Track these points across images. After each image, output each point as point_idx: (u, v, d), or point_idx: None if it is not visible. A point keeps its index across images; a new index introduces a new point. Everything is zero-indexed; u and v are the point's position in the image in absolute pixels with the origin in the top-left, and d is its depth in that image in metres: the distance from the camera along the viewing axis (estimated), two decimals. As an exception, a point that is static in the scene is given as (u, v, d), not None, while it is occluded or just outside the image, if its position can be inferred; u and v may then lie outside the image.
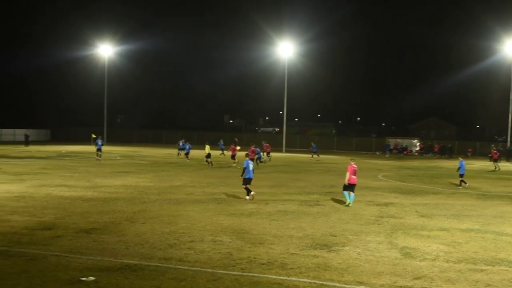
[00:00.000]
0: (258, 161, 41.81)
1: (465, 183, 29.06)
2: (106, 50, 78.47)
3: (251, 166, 21.77)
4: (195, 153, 48.65)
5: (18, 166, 35.03)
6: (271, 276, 10.59)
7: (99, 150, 43.36)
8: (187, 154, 45.72)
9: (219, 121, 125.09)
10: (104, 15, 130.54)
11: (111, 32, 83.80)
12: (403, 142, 75.78)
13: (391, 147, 71.87)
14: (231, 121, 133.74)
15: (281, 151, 67.31)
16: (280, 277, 10.54)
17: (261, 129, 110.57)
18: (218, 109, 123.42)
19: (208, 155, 39.91)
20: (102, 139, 48.01)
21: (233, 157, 41.94)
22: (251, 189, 21.63)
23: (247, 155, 22.88)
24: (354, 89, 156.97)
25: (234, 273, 10.78)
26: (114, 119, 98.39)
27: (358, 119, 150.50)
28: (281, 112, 77.14)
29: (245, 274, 10.72)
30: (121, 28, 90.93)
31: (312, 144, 56.61)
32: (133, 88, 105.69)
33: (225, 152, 51.52)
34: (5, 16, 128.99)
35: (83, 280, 10.01)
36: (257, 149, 42.73)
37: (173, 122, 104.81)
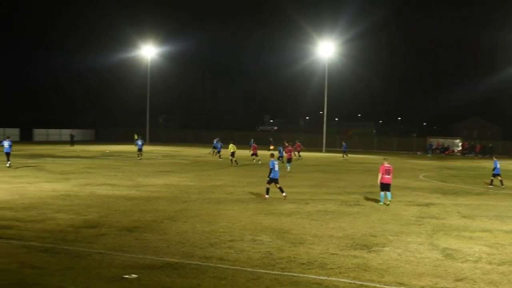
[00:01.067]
0: (280, 159, 41.82)
1: (502, 184, 28.44)
2: (148, 52, 79.57)
3: (276, 167, 21.78)
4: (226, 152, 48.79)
5: (63, 166, 35.88)
6: (311, 276, 10.61)
7: (139, 150, 44.38)
8: (218, 152, 46.27)
9: (260, 121, 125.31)
10: (147, 16, 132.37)
11: (154, 34, 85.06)
12: (445, 142, 74.62)
13: (434, 147, 70.77)
14: (271, 121, 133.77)
15: (321, 151, 67.05)
16: (320, 277, 10.55)
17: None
18: (259, 109, 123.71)
19: (232, 154, 40.33)
20: (143, 139, 48.80)
21: (254, 155, 42.94)
22: (284, 190, 21.68)
23: (272, 155, 22.89)
24: (395, 89, 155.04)
25: (274, 272, 10.82)
26: (156, 119, 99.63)
27: (399, 118, 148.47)
28: (321, 112, 76.83)
29: (285, 273, 10.76)
30: (163, 29, 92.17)
31: (343, 143, 56.18)
32: (175, 88, 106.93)
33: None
34: (52, 19, 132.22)
35: (126, 278, 10.19)
36: (279, 147, 43.95)
37: (214, 122, 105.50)
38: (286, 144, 50.60)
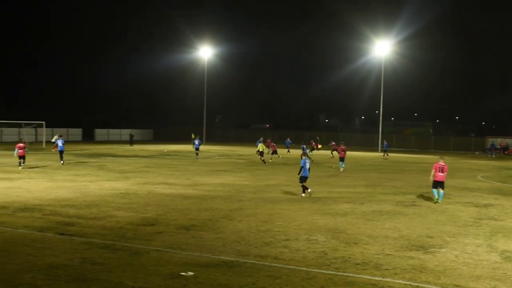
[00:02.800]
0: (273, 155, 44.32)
1: None
2: (205, 52, 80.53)
3: (307, 165, 21.86)
4: (288, 152, 48.93)
5: (123, 165, 36.78)
6: (366, 277, 10.56)
7: (197, 149, 45.31)
8: (275, 152, 46.44)
9: (315, 120, 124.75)
10: (203, 18, 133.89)
11: (211, 35, 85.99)
12: (504, 141, 72.36)
13: (497, 147, 68.68)
14: (326, 120, 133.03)
15: (376, 150, 66.26)
16: (375, 278, 10.49)
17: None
18: (315, 109, 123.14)
19: (261, 153, 40.69)
20: (200, 139, 49.57)
21: (274, 152, 43.56)
22: (308, 186, 21.91)
23: (304, 154, 23.01)
24: (452, 87, 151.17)
25: (329, 272, 10.83)
26: (213, 118, 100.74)
27: (457, 117, 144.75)
28: (377, 112, 75.84)
29: (340, 273, 10.75)
30: (220, 30, 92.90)
31: (384, 142, 55.15)
32: (232, 88, 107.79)
33: (290, 150, 53.21)
34: (110, 21, 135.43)
35: (183, 275, 10.37)
36: (303, 146, 45.81)
37: (270, 122, 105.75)
38: (333, 142, 51.21)
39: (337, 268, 11.11)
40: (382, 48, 67.86)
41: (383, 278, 10.49)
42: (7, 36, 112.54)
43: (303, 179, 21.85)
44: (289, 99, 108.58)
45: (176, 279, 10.17)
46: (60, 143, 36.69)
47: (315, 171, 34.60)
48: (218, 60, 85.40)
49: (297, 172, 22.45)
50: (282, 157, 45.83)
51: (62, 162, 35.43)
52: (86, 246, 12.61)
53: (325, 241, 13.59)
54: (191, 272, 10.57)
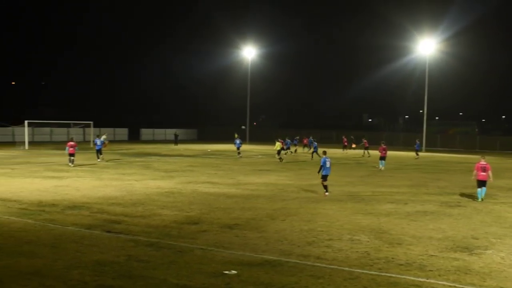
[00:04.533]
0: (312, 155, 45.22)
1: None
2: (249, 53, 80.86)
3: (328, 164, 21.98)
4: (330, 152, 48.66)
5: (168, 164, 37.30)
6: (409, 277, 10.48)
7: (238, 148, 45.90)
8: (315, 151, 46.42)
9: (358, 119, 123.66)
10: (248, 18, 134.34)
11: (254, 35, 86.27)
12: None
13: None
14: (369, 120, 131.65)
15: (420, 150, 65.22)
16: (418, 279, 10.40)
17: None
18: (357, 108, 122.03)
19: (278, 152, 41.22)
20: (241, 138, 50.01)
21: (279, 152, 43.15)
22: (327, 188, 22.10)
23: (324, 152, 23.17)
24: (498, 86, 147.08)
25: (372, 272, 10.79)
26: (256, 118, 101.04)
27: (503, 117, 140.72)
28: (421, 111, 74.64)
29: (383, 274, 10.70)
30: (264, 30, 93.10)
31: (416, 141, 54.02)
32: (275, 88, 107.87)
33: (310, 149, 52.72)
34: (155, 21, 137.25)
35: (226, 273, 10.48)
36: (315, 143, 46.95)
37: (312, 121, 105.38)
38: (365, 140, 51.06)
39: (380, 269, 11.06)
40: (426, 47, 66.74)
41: (427, 279, 10.40)
42: (57, 39, 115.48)
43: (324, 177, 22.00)
44: (332, 98, 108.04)
45: (219, 277, 10.29)
46: (98, 142, 38.12)
47: (358, 171, 34.47)
48: (261, 60, 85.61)
49: (317, 171, 22.68)
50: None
51: (99, 159, 37.07)
52: (132, 243, 12.89)
53: (368, 241, 13.53)
54: (234, 270, 10.67)
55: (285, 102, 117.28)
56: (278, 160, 40.81)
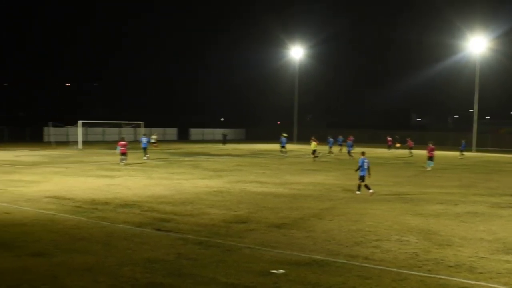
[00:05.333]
0: (349, 154, 45.42)
1: None
2: (297, 52, 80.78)
3: (365, 164, 21.93)
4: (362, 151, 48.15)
5: (216, 163, 37.67)
6: (459, 280, 10.33)
7: (283, 147, 45.86)
8: (349, 151, 46.44)
9: (406, 119, 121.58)
10: (296, 18, 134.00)
11: (302, 34, 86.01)
12: None
13: None
14: (418, 119, 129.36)
15: (470, 150, 63.83)
16: (468, 281, 10.24)
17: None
18: (405, 107, 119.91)
19: (314, 151, 41.69)
20: (287, 137, 50.16)
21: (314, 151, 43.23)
22: (360, 187, 22.10)
23: (362, 153, 23.11)
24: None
25: (420, 274, 10.67)
26: (303, 118, 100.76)
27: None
28: (471, 110, 72.94)
29: (432, 275, 10.57)
30: (311, 29, 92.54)
31: (462, 141, 52.57)
32: (322, 87, 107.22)
33: (342, 149, 52.70)
34: (210, 21, 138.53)
35: (274, 273, 10.54)
36: (349, 142, 47.08)
37: (359, 121, 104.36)
38: (409, 139, 50.64)
39: (429, 270, 10.94)
40: (477, 45, 65.19)
41: (477, 281, 10.23)
42: (108, 41, 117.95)
43: (361, 178, 22.07)
44: (380, 97, 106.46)
45: (267, 276, 10.36)
46: (144, 140, 39.11)
47: (406, 171, 34.04)
48: (308, 60, 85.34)
49: (355, 169, 22.96)
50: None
51: (145, 157, 38.23)
52: (181, 242, 13.10)
53: (416, 242, 13.39)
54: (282, 270, 10.72)
55: (332, 102, 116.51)
56: (314, 159, 41.30)
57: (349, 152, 46.07)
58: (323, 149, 48.39)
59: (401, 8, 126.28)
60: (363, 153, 23.05)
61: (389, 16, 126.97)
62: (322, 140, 53.11)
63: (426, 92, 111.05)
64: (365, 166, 22.06)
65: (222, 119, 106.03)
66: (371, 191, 21.75)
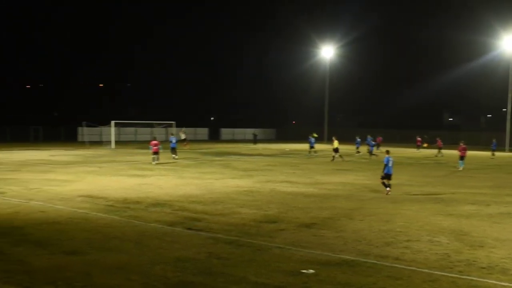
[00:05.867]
0: (370, 154, 45.67)
1: None
2: (328, 52, 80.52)
3: (390, 163, 22.00)
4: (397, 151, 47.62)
5: (247, 163, 37.81)
6: (491, 281, 10.21)
7: (312, 147, 45.89)
8: (371, 151, 46.19)
9: (438, 118, 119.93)
10: (327, 17, 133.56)
11: (333, 34, 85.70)
12: None
13: None
14: (450, 119, 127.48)
15: (503, 150, 62.73)
16: (501, 283, 10.12)
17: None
18: (437, 107, 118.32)
19: (336, 150, 41.59)
20: (316, 137, 50.13)
21: (335, 150, 42.94)
22: (389, 186, 22.09)
23: (387, 152, 23.16)
24: None
25: (452, 275, 10.58)
26: (334, 118, 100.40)
27: None
28: (504, 110, 71.63)
29: (463, 277, 10.47)
30: (342, 29, 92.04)
31: (493, 141, 51.51)
32: (352, 87, 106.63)
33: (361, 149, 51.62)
34: (243, 21, 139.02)
35: (304, 272, 10.56)
36: (370, 141, 46.82)
37: (390, 121, 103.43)
38: (438, 139, 50.07)
39: (460, 271, 10.84)
40: (511, 43, 64.05)
41: (510, 283, 10.11)
42: (140, 41, 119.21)
43: (385, 176, 22.15)
44: (411, 97, 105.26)
45: (297, 276, 10.39)
46: (173, 140, 39.52)
47: (437, 171, 33.67)
48: (339, 59, 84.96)
49: (382, 169, 22.87)
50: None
51: (174, 156, 38.67)
52: (212, 241, 13.22)
53: (448, 243, 13.27)
54: (312, 270, 10.73)
55: (362, 101, 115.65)
56: (340, 159, 41.33)
57: (370, 152, 45.95)
58: (347, 148, 48.19)
59: (433, 6, 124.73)
60: (387, 152, 23.12)
61: (421, 14, 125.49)
62: (351, 140, 52.87)
63: (459, 91, 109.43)
64: (390, 165, 22.11)
65: (252, 119, 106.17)
66: (388, 189, 21.91)
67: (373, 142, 47.71)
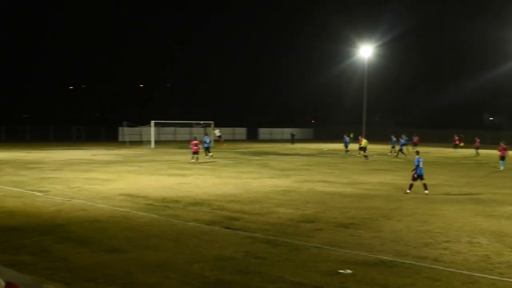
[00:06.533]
0: (399, 152, 45.28)
1: None
2: (366, 51, 79.85)
3: (421, 164, 21.93)
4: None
5: (284, 162, 37.85)
6: (533, 284, 10.07)
7: (346, 147, 46.38)
8: (401, 150, 45.80)
9: (478, 118, 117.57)
10: (366, 16, 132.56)
11: (371, 32, 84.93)
12: None
13: None
14: (490, 118, 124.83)
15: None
16: (543, 285, 9.97)
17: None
18: (477, 106, 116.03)
19: (364, 149, 41.65)
20: (350, 137, 49.88)
21: (362, 149, 42.88)
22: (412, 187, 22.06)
23: (417, 152, 23.26)
24: None
25: (492, 277, 10.42)
26: (372, 117, 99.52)
27: None
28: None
29: (504, 279, 10.31)
30: (380, 28, 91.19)
31: None
32: (390, 86, 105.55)
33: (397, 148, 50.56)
34: (280, 31, 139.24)
35: (341, 273, 10.53)
36: (401, 141, 46.27)
37: (429, 120, 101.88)
38: (477, 139, 48.88)
39: (501, 273, 10.67)
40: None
41: (552, 286, 9.93)
42: (181, 41, 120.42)
43: (418, 177, 22.08)
44: (450, 96, 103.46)
45: (334, 276, 10.38)
46: (207, 140, 39.95)
47: (477, 171, 33.09)
48: (377, 58, 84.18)
49: (412, 169, 22.89)
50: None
51: (210, 155, 39.19)
52: (249, 240, 13.31)
53: (488, 244, 13.07)
54: (349, 270, 10.70)
55: (400, 100, 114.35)
56: (364, 158, 41.16)
57: (400, 150, 45.52)
58: (383, 148, 47.70)
59: (473, 5, 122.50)
60: (417, 153, 23.20)
61: (460, 13, 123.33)
62: (387, 140, 52.34)
63: (499, 90, 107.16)
64: (421, 165, 22.03)
65: (289, 119, 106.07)
66: (408, 191, 21.83)
67: (402, 141, 47.04)
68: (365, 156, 41.56)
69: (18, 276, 9.91)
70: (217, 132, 56.72)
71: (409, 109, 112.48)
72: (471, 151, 50.95)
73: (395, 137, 50.39)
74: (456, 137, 56.50)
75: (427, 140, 76.34)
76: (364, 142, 42.10)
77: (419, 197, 20.99)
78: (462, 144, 55.67)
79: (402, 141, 46.99)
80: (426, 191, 21.76)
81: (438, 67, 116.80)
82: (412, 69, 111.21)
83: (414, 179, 22.15)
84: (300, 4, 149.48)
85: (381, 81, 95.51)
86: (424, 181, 22.07)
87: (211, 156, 39.31)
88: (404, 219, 16.33)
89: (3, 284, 4.31)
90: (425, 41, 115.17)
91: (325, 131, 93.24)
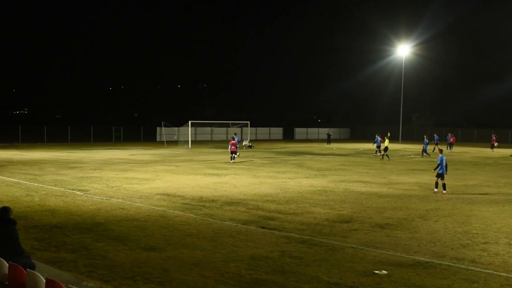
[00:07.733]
0: (423, 153, 44.69)
1: None
2: (403, 50, 79.06)
3: (444, 162, 21.92)
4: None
5: (320, 162, 37.74)
6: None
7: (378, 147, 45.27)
8: (425, 150, 45.20)
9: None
10: (403, 15, 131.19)
11: (408, 32, 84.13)
12: None
13: None
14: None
15: None
16: None
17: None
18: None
19: (386, 149, 41.06)
20: (387, 137, 49.30)
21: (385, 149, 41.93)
22: (439, 186, 22.20)
23: (440, 151, 23.31)
24: None
25: (531, 279, 10.30)
26: (409, 117, 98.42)
27: None
28: None
29: (544, 281, 10.18)
30: (417, 27, 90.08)
31: None
32: (428, 86, 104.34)
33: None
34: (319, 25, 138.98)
35: (377, 273, 10.53)
36: (425, 140, 45.25)
37: (467, 120, 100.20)
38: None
39: (540, 276, 10.51)
40: None
41: None
42: (225, 44, 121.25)
43: (438, 175, 22.09)
44: (490, 94, 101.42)
45: (370, 277, 10.38)
46: (236, 139, 40.03)
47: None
48: (415, 58, 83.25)
49: (434, 168, 23.04)
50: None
51: (237, 154, 38.70)
52: (285, 240, 13.38)
53: (528, 247, 12.85)
54: (385, 270, 10.69)
55: (439, 100, 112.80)
56: (386, 157, 40.79)
57: (424, 150, 44.96)
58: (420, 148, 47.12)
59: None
60: (441, 151, 23.31)
61: (500, 10, 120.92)
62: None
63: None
64: (444, 164, 22.00)
65: (325, 119, 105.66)
66: (444, 192, 21.69)
67: (426, 141, 46.16)
68: (387, 156, 41.03)
69: (58, 273, 10.19)
70: (246, 142, 56.92)
71: (448, 109, 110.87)
72: (508, 151, 49.76)
73: (426, 138, 48.72)
74: (494, 137, 55.40)
75: (465, 140, 75.14)
76: (386, 142, 41.64)
77: (456, 198, 20.71)
78: (496, 144, 54.60)
79: (426, 140, 46.11)
80: (444, 191, 21.69)
81: (477, 67, 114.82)
82: (452, 69, 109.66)
83: (438, 176, 22.27)
84: (340, 4, 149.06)
85: (419, 80, 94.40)
86: (444, 181, 21.98)
87: (239, 156, 39.37)
88: (441, 219, 16.15)
89: (43, 281, 4.48)
90: (465, 40, 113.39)
91: (362, 130, 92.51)
